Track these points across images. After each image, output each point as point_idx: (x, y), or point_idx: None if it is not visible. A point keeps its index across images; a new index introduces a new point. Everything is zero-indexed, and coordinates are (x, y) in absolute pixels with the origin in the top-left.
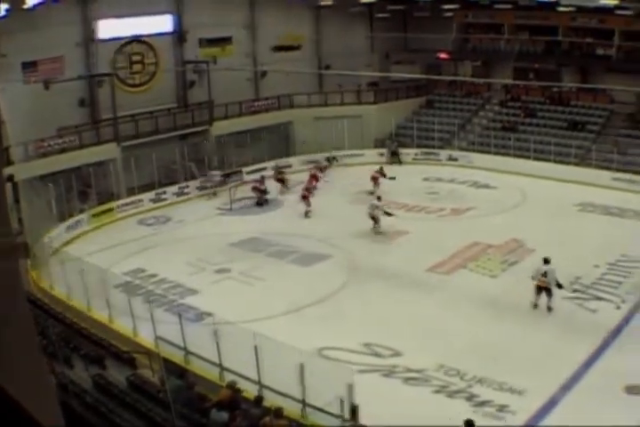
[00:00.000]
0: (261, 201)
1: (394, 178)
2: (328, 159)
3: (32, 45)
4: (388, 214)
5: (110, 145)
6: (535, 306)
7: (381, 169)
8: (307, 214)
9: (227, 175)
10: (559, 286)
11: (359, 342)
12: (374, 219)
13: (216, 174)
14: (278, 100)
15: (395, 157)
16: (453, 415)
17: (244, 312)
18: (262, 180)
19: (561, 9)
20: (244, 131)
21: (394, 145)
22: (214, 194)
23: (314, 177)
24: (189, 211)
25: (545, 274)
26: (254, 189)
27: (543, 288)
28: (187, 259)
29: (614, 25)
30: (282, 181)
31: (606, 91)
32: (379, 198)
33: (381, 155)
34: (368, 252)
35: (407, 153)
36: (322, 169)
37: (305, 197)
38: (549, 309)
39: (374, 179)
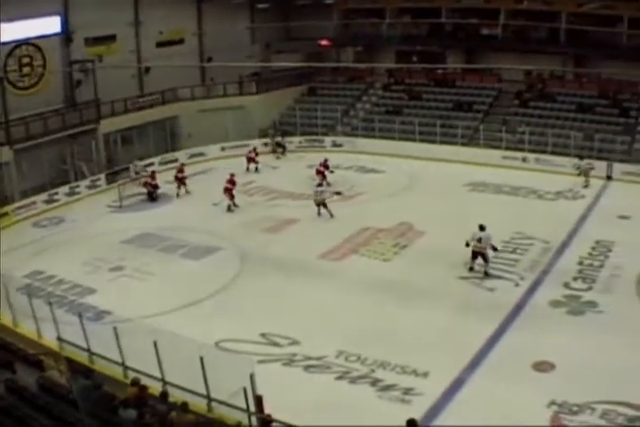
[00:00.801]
0: (153, 196)
1: (332, 171)
2: (278, 144)
3: None
4: (338, 193)
5: (3, 149)
6: (471, 269)
7: (326, 161)
8: (229, 208)
9: (115, 173)
10: (494, 248)
11: (256, 332)
12: (324, 205)
13: (139, 164)
14: (162, 94)
15: (280, 147)
16: (358, 401)
17: (141, 309)
18: (153, 175)
19: None
20: (131, 127)
21: (278, 134)
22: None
23: (251, 160)
24: (81, 210)
25: (480, 240)
26: (146, 184)
27: (478, 253)
28: (82, 258)
29: (500, 4)
30: (181, 180)
31: (493, 70)
32: (320, 185)
33: (266, 144)
34: (258, 242)
35: (291, 141)
36: (257, 153)
37: (228, 190)
38: (486, 273)
39: (320, 173)
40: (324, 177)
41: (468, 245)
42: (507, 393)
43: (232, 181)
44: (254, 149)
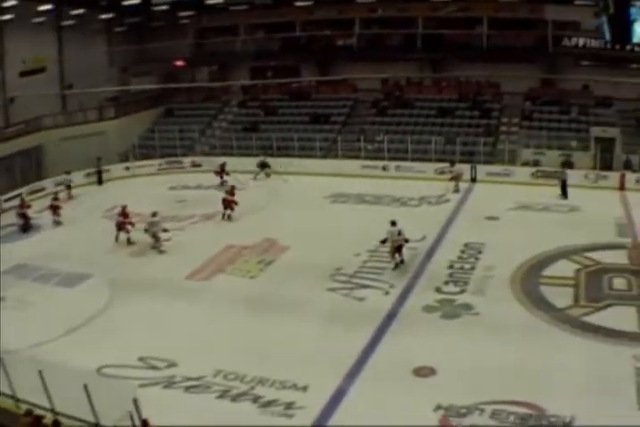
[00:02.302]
0: (26, 226)
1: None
2: (262, 165)
3: None
4: (165, 231)
5: None
6: (397, 265)
7: (233, 189)
8: (129, 241)
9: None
10: (406, 240)
11: (134, 356)
12: (155, 237)
13: (68, 178)
14: (26, 124)
15: (99, 176)
16: (241, 419)
17: (25, 339)
18: (23, 204)
19: (299, 4)
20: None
21: (98, 163)
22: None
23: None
24: None
25: (399, 233)
26: (20, 215)
27: (399, 246)
28: None
29: (354, 14)
30: (55, 208)
31: (349, 80)
32: (154, 215)
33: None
34: (127, 266)
35: (152, 164)
36: (224, 170)
37: (122, 224)
38: (403, 261)
39: (230, 202)
40: (230, 207)
41: (384, 242)
42: (390, 400)
43: (125, 214)
44: (222, 166)
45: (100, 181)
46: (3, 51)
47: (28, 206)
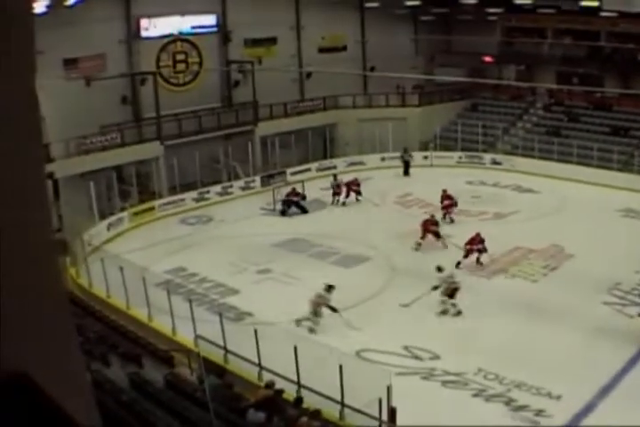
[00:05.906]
0: (284, 212)
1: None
2: None
3: (73, 42)
4: (333, 310)
5: (153, 144)
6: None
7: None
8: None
9: (270, 176)
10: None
11: (399, 344)
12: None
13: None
14: (324, 101)
15: (407, 168)
16: (490, 420)
17: (285, 313)
18: (293, 192)
19: (603, 14)
20: (289, 132)
21: (407, 155)
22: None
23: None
24: (232, 211)
25: (452, 276)
26: (283, 202)
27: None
28: (228, 258)
29: None
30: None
31: None
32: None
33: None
34: (409, 254)
35: (451, 156)
36: None
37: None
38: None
39: (445, 203)
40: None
41: (436, 288)
42: (637, 422)
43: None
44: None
45: (406, 172)
46: (299, 24)
47: (304, 197)
